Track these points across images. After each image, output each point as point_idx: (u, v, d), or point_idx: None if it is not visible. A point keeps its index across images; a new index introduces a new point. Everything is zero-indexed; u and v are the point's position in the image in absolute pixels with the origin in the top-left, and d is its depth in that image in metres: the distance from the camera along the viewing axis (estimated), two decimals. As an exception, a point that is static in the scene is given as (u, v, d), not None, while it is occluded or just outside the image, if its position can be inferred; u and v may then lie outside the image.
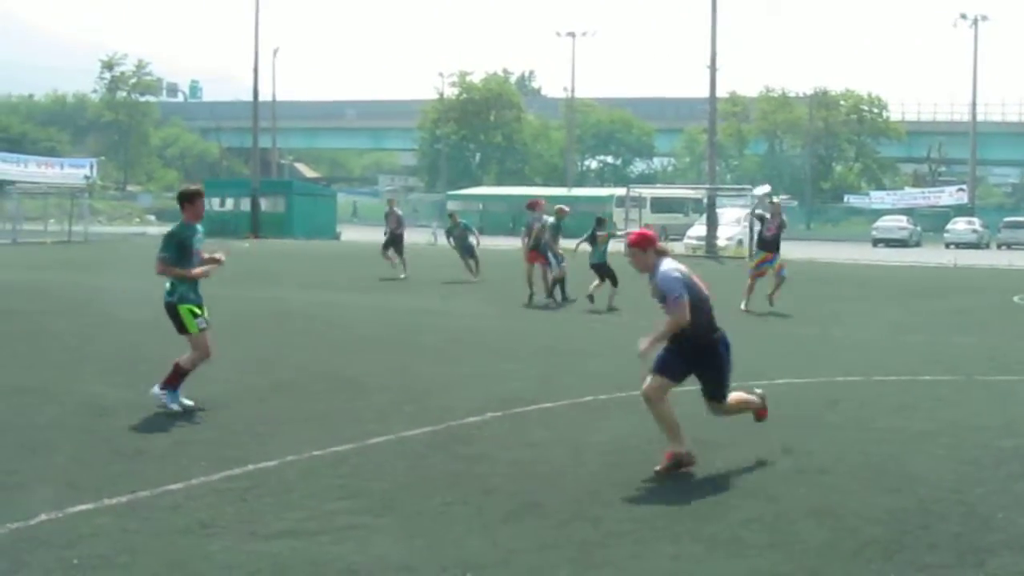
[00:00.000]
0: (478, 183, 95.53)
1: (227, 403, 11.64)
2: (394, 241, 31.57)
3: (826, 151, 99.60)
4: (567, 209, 25.89)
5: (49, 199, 61.27)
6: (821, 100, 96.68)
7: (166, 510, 7.57)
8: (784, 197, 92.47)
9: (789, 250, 47.70)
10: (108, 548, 6.72)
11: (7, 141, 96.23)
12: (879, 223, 68.01)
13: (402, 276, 30.25)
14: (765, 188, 29.69)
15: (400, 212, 33.34)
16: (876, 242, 64.58)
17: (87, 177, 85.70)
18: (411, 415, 10.90)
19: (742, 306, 21.64)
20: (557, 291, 23.88)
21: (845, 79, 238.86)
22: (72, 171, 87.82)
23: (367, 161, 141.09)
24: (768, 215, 23.51)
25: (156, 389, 11.04)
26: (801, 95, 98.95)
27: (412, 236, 58.53)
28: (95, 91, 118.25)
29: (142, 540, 6.90)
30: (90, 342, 16.69)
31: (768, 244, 22.99)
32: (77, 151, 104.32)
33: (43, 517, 7.31)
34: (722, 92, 73.49)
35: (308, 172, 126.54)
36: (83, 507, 7.56)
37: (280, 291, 22.62)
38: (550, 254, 23.90)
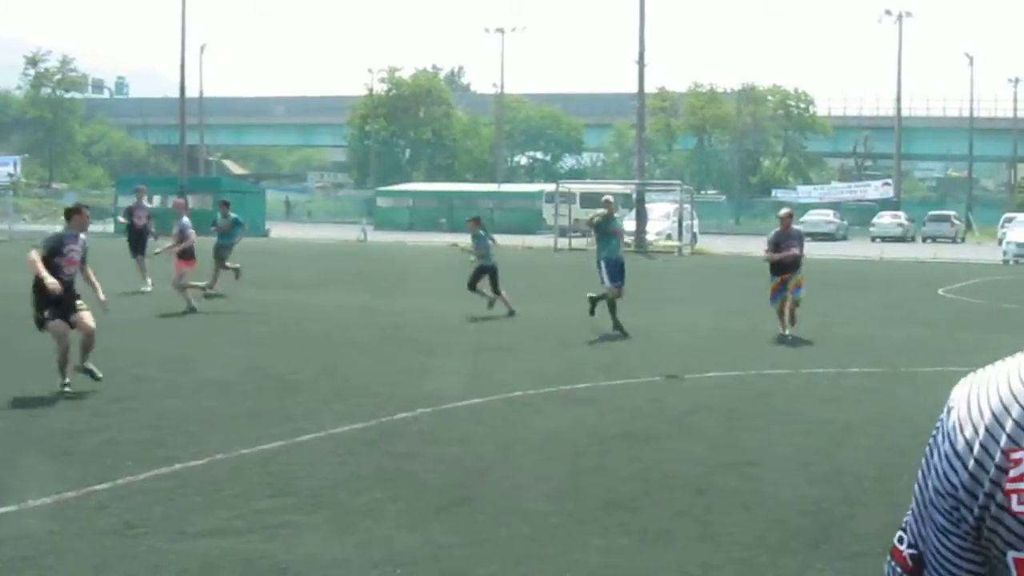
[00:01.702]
0: (408, 179, 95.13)
1: (154, 401, 11.55)
2: (138, 240, 25.15)
3: (754, 146, 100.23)
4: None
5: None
6: (749, 95, 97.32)
7: (92, 511, 7.48)
8: (712, 191, 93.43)
9: (714, 244, 48.52)
10: (32, 550, 6.63)
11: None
12: (806, 217, 68.48)
13: (146, 288, 23.70)
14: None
15: (148, 206, 27.47)
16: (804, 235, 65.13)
17: (11, 175, 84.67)
18: (341, 412, 10.86)
19: (785, 330, 17.12)
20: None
21: (772, 75, 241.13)
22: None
23: (296, 157, 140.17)
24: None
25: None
26: (729, 91, 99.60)
27: (342, 232, 58.30)
28: (19, 87, 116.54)
29: (67, 541, 6.81)
30: (11, 342, 16.44)
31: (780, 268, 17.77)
32: (1, 148, 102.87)
33: (-35, 519, 7.20)
34: (651, 87, 73.81)
35: (236, 169, 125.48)
36: (6, 509, 7.44)
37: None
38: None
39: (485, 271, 20.79)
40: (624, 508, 7.72)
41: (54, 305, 11.79)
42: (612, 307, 17.41)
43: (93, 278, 12.58)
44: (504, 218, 72.04)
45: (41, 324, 11.96)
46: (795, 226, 18.76)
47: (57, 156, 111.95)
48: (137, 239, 25.07)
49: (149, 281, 23.86)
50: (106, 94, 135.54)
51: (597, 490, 8.18)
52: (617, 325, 17.15)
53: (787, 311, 17.24)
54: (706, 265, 37.25)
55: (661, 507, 7.75)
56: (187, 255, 20.77)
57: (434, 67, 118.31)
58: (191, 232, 21.27)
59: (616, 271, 17.87)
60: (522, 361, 14.90)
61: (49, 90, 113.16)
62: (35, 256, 11.78)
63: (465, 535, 7.07)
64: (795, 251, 17.75)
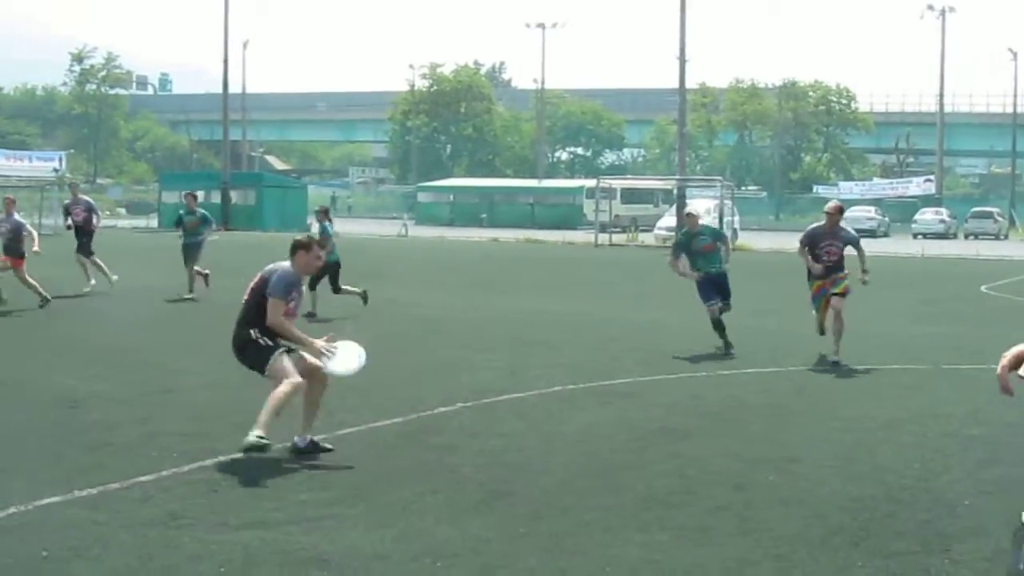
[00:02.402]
0: (449, 175, 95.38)
1: (195, 394, 11.67)
2: (83, 240, 23.38)
3: (795, 142, 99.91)
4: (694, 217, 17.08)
5: (19, 192, 60.87)
6: (790, 91, 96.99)
7: (136, 502, 7.57)
8: (753, 187, 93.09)
9: (754, 240, 48.28)
10: (78, 540, 6.72)
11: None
12: (848, 213, 67.31)
13: (88, 289, 22.53)
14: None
15: (89, 200, 25.06)
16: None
17: (56, 170, 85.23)
18: (381, 406, 10.93)
19: (834, 354, 14.40)
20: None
21: (814, 70, 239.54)
22: (41, 164, 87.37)
23: (338, 153, 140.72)
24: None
25: None
26: (770, 86, 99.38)
27: (383, 227, 58.47)
28: (65, 84, 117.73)
29: (112, 532, 6.90)
30: (61, 335, 16.63)
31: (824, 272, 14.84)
32: (47, 144, 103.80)
33: (12, 510, 7.29)
34: (692, 83, 73.71)
35: (279, 164, 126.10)
36: (53, 499, 7.54)
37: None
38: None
39: (330, 267, 19.37)
40: (663, 503, 7.73)
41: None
42: (715, 326, 15.41)
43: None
44: (544, 214, 72.19)
45: (263, 361, 8.94)
46: (845, 226, 15.02)
47: (102, 152, 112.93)
48: (80, 237, 23.37)
49: (92, 281, 22.73)
50: (150, 90, 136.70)
51: (636, 485, 8.20)
52: (724, 343, 15.24)
53: (831, 323, 14.57)
54: (746, 261, 37.09)
55: (700, 503, 7.76)
56: (13, 252, 19.57)
57: (475, 63, 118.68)
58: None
59: (707, 289, 15.64)
60: (562, 356, 14.93)
61: (94, 87, 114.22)
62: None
63: (505, 529, 7.11)
64: (833, 258, 14.60)
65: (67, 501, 7.53)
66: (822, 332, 15.05)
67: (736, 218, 52.52)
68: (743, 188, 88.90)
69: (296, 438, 8.90)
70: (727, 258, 16.26)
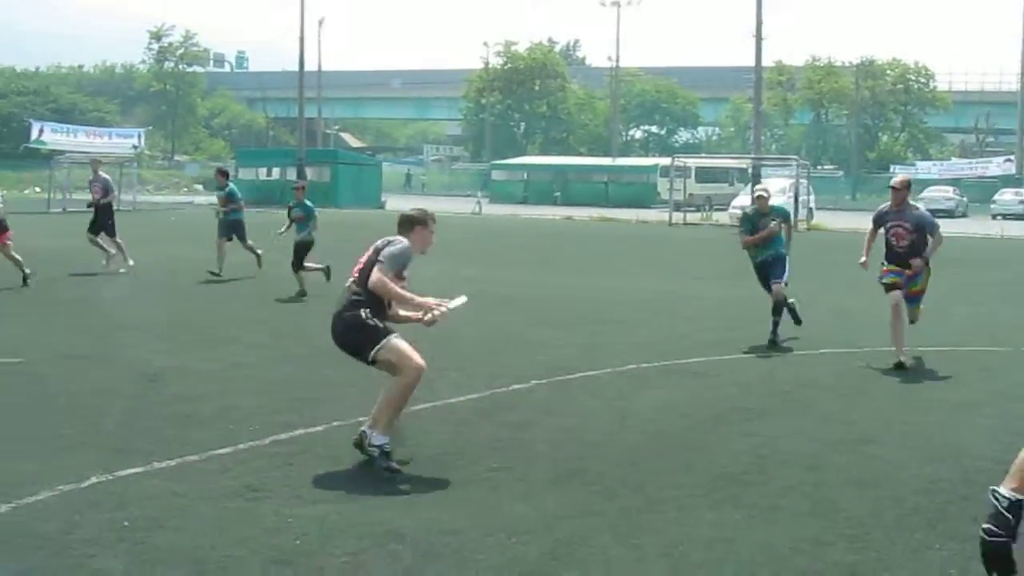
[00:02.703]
0: (522, 153, 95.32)
1: (271, 369, 11.80)
2: (101, 217, 23.00)
3: (872, 121, 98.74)
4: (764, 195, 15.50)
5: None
6: (867, 69, 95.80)
7: (214, 474, 7.69)
8: (829, 167, 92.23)
9: (830, 219, 47.83)
10: (158, 511, 6.83)
11: (57, 111, 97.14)
12: (925, 193, 67.20)
13: (123, 269, 22.16)
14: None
15: (108, 177, 24.37)
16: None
17: (135, 147, 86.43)
18: (456, 382, 10.99)
19: (903, 360, 12.43)
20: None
21: (891, 48, 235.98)
22: (120, 141, 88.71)
23: (412, 131, 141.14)
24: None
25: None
26: (847, 64, 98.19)
27: (457, 205, 58.64)
28: (143, 62, 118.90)
29: (191, 503, 7.01)
30: (138, 309, 16.87)
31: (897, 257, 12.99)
32: (125, 121, 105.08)
33: (94, 480, 7.44)
34: (768, 61, 72.99)
35: (354, 142, 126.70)
36: (133, 471, 7.68)
37: (320, 259, 22.49)
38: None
39: (303, 246, 19.37)
40: (736, 482, 7.71)
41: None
42: (775, 310, 14.35)
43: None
44: (618, 192, 72.02)
45: (375, 342, 7.90)
46: (916, 203, 13.22)
47: (179, 129, 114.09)
48: (96, 215, 22.99)
49: (113, 252, 22.48)
50: (227, 68, 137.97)
51: (709, 464, 8.18)
52: (773, 330, 14.19)
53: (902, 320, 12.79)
54: (821, 241, 36.80)
55: (773, 482, 7.73)
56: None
57: (550, 40, 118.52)
58: None
59: (764, 273, 14.76)
60: (635, 334, 14.91)
61: (172, 64, 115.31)
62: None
63: (578, 506, 7.13)
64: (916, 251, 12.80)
65: (147, 472, 7.66)
66: (898, 367, 12.35)
67: (812, 197, 51.96)
68: (819, 167, 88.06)
69: (367, 429, 7.93)
70: (788, 243, 15.00)
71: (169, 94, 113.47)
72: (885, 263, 13.07)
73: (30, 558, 5.99)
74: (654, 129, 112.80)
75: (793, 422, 9.67)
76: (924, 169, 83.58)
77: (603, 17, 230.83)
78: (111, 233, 22.68)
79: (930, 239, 12.87)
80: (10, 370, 11.58)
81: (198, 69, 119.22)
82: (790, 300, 14.79)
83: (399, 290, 7.93)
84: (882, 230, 13.25)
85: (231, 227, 21.96)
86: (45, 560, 5.97)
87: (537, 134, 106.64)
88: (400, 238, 8.20)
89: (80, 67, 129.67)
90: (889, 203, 13.10)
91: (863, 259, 13.36)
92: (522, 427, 9.32)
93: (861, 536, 6.60)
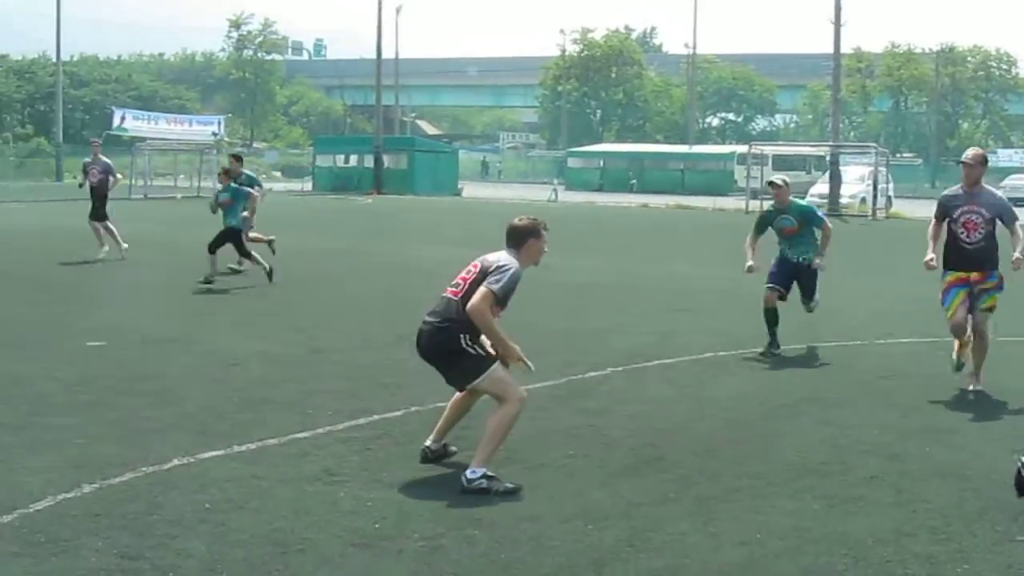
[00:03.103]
0: (599, 140, 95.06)
1: (349, 354, 11.89)
2: (101, 201, 22.25)
3: (952, 108, 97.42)
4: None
5: (179, 155, 62.59)
6: (948, 56, 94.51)
7: (294, 457, 7.77)
8: (908, 154, 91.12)
9: (909, 208, 47.29)
10: (238, 493, 6.93)
11: (139, 99, 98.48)
12: (1007, 181, 66.17)
13: (102, 255, 21.14)
14: None
15: (108, 161, 23.25)
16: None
17: (215, 134, 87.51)
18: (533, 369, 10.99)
19: (974, 382, 10.51)
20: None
21: (973, 34, 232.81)
22: (200, 128, 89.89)
23: (488, 118, 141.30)
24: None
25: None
26: (927, 51, 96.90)
27: (532, 192, 58.62)
28: (223, 50, 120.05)
29: (270, 486, 7.10)
30: (219, 295, 17.05)
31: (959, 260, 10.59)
32: (205, 109, 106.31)
33: (175, 462, 7.56)
34: (846, 48, 72.12)
35: (430, 129, 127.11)
36: (214, 453, 7.79)
37: (401, 245, 22.80)
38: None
39: (231, 233, 18.12)
40: (814, 472, 7.66)
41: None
42: (766, 315, 12.61)
43: None
44: (695, 179, 71.64)
45: (477, 374, 7.43)
46: (991, 189, 10.80)
47: (258, 116, 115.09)
48: (93, 200, 22.27)
49: (105, 247, 21.40)
50: (305, 56, 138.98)
51: (787, 453, 8.14)
52: (770, 340, 12.47)
53: (970, 334, 10.54)
54: (901, 229, 36.40)
55: (852, 472, 7.67)
56: None
57: (626, 28, 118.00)
58: None
59: (779, 273, 12.95)
60: (713, 322, 14.84)
61: (251, 52, 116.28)
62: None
63: (655, 493, 7.13)
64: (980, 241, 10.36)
65: (227, 455, 7.77)
66: (958, 367, 10.70)
67: (891, 185, 51.34)
68: (898, 155, 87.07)
69: (432, 443, 7.73)
70: (823, 251, 12.89)
71: (248, 82, 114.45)
72: (947, 272, 10.59)
73: (115, 537, 6.10)
74: (731, 116, 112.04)
75: (873, 411, 9.58)
76: (1005, 157, 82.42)
77: (680, 3, 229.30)
78: (103, 217, 21.89)
79: (1011, 234, 10.41)
80: (96, 353, 11.79)
81: (276, 57, 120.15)
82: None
83: (495, 327, 7.30)
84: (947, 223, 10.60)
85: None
86: (129, 540, 6.07)
87: (613, 121, 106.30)
88: (510, 262, 7.41)
89: (161, 55, 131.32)
90: (957, 187, 10.69)
91: (929, 256, 10.75)
92: (598, 414, 9.32)
93: (942, 527, 6.54)
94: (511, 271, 7.32)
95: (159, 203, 46.48)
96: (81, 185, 22.87)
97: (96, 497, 6.81)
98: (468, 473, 7.14)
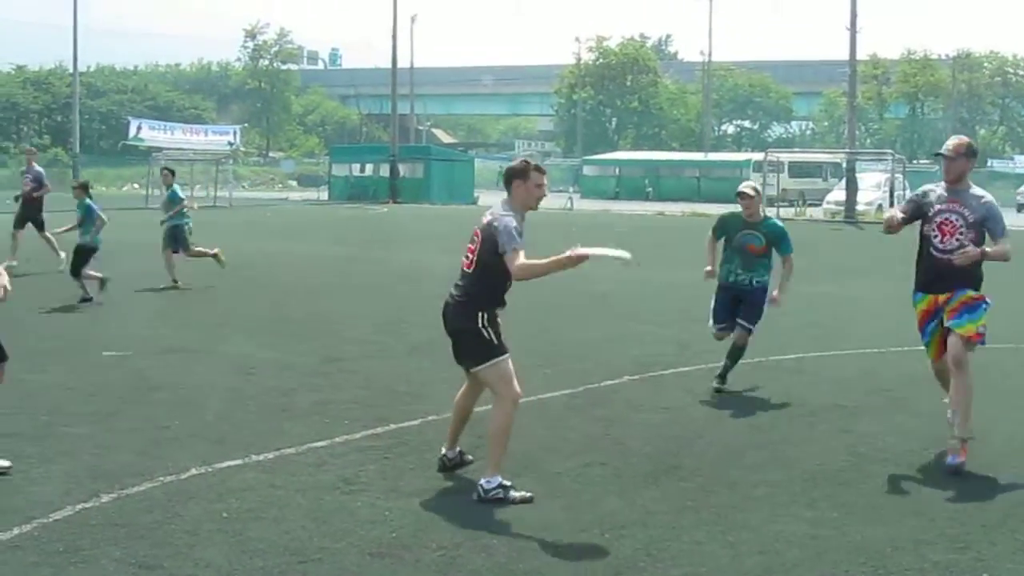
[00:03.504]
0: (614, 148, 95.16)
1: (367, 363, 11.89)
2: (30, 211, 21.23)
3: (969, 114, 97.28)
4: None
5: (195, 165, 62.71)
6: (964, 62, 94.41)
7: (311, 467, 7.78)
8: (924, 161, 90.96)
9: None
10: (256, 502, 6.93)
11: (155, 109, 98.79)
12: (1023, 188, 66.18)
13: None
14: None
15: (41, 170, 22.18)
16: (1021, 207, 62.88)
17: (231, 144, 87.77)
18: (549, 377, 11.00)
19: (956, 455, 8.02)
20: None
21: (989, 40, 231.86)
22: (216, 138, 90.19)
23: (504, 127, 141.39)
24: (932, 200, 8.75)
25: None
26: (944, 57, 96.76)
27: (548, 200, 58.63)
28: (239, 59, 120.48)
29: (288, 495, 7.10)
30: (236, 304, 17.09)
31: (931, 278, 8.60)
32: (221, 118, 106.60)
33: (193, 472, 7.57)
34: (862, 54, 72.07)
35: (446, 138, 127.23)
36: (231, 463, 7.80)
37: (416, 254, 22.78)
38: None
39: (84, 250, 16.97)
40: (832, 480, 7.64)
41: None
42: (731, 354, 10.87)
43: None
44: (710, 187, 71.52)
45: (486, 358, 7.36)
46: (977, 191, 8.55)
47: (274, 126, 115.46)
48: (23, 209, 21.30)
49: (14, 262, 19.40)
50: (320, 65, 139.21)
51: (805, 461, 8.12)
52: (721, 375, 10.77)
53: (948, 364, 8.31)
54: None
55: (871, 480, 7.65)
56: None
57: (641, 36, 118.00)
58: None
59: (721, 307, 10.98)
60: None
61: (267, 62, 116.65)
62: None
63: (672, 502, 7.12)
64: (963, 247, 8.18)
65: (245, 464, 7.78)
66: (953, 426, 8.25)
67: (907, 192, 51.19)
68: (914, 162, 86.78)
69: (447, 451, 7.76)
70: (787, 285, 11.05)
71: (264, 91, 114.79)
72: (917, 296, 8.65)
73: (133, 547, 6.11)
74: (747, 124, 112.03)
75: (892, 419, 9.55)
76: (1022, 164, 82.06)
77: (695, 11, 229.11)
78: (40, 226, 20.94)
79: (994, 244, 8.38)
80: (118, 363, 11.81)
81: (292, 67, 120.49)
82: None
83: (542, 265, 7.25)
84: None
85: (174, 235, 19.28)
86: (147, 549, 6.08)
87: (629, 129, 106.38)
88: (499, 218, 7.33)
89: (177, 65, 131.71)
90: (939, 184, 8.73)
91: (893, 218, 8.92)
92: (615, 423, 9.31)
93: (961, 536, 6.51)
94: (502, 227, 7.25)
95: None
96: (17, 198, 21.75)
97: (114, 506, 6.82)
98: (483, 483, 7.11)
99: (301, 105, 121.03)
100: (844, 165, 52.57)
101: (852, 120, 56.16)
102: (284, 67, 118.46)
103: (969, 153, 8.50)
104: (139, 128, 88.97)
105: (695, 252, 11.72)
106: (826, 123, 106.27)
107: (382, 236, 20.34)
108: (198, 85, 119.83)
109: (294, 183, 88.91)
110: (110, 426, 8.89)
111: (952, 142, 8.65)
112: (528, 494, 7.11)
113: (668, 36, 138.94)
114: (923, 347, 8.75)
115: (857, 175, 50.67)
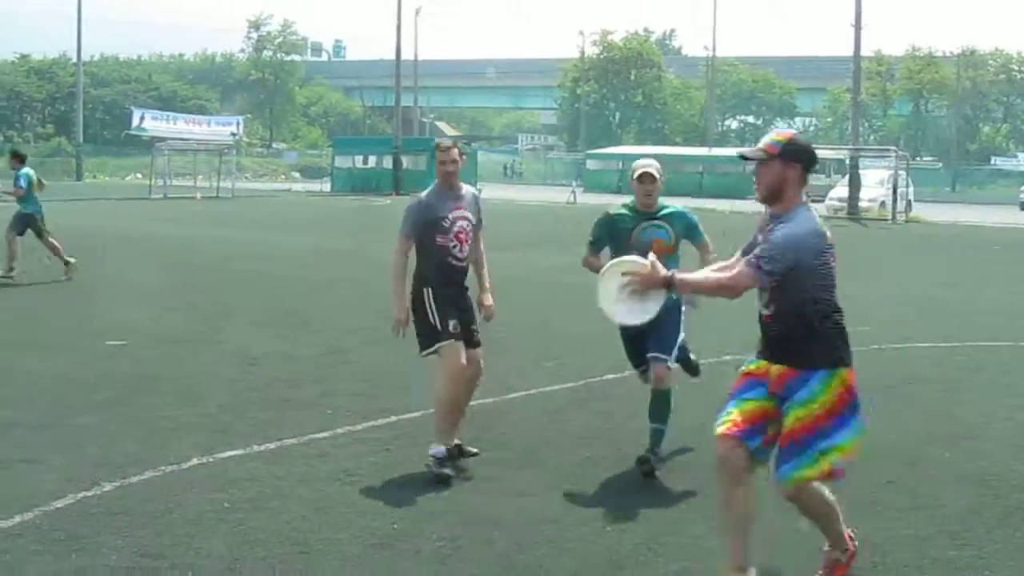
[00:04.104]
0: (617, 143, 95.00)
1: (368, 355, 11.90)
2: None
3: (973, 112, 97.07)
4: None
5: (198, 156, 62.73)
6: (969, 59, 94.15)
7: (313, 458, 7.80)
8: (928, 159, 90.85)
9: (929, 212, 47.18)
10: (257, 492, 6.95)
11: (158, 99, 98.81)
12: (1028, 186, 66.10)
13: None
14: None
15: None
16: None
17: (234, 134, 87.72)
18: (551, 371, 11.02)
19: None
20: None
21: (994, 37, 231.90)
22: (220, 128, 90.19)
23: (507, 120, 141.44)
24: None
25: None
26: (948, 54, 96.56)
27: (551, 194, 58.56)
28: (242, 51, 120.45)
29: (290, 486, 7.12)
30: (238, 295, 17.10)
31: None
32: (225, 109, 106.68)
33: (195, 461, 7.59)
34: (866, 51, 71.80)
35: (449, 130, 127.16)
36: (233, 453, 7.82)
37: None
38: None
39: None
40: (833, 476, 7.64)
41: (452, 307, 7.98)
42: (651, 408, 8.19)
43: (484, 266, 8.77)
44: (714, 182, 71.52)
45: (433, 339, 7.81)
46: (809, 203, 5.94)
47: (277, 117, 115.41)
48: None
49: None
50: (324, 57, 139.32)
51: (806, 457, 8.11)
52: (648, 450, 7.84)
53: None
54: (920, 233, 36.30)
55: (871, 477, 7.63)
56: None
57: (645, 30, 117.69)
58: None
59: (634, 342, 8.52)
60: (734, 325, 14.75)
61: (271, 53, 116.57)
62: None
63: (674, 496, 7.14)
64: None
65: (247, 455, 7.80)
66: None
67: (910, 189, 51.19)
68: (918, 159, 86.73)
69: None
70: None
71: (267, 83, 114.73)
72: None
73: (135, 536, 6.13)
74: (750, 119, 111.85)
75: (892, 417, 9.53)
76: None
77: (700, 6, 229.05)
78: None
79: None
80: (117, 352, 11.82)
81: (296, 58, 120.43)
82: (693, 358, 9.32)
83: (394, 268, 8.10)
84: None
85: (23, 220, 18.43)
86: (149, 538, 6.10)
87: (632, 124, 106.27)
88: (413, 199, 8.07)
89: (181, 56, 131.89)
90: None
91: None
92: (617, 416, 9.33)
93: (961, 533, 6.52)
94: (406, 208, 8.10)
95: (178, 203, 46.58)
96: None
97: (116, 496, 6.84)
98: (434, 451, 7.45)
99: (305, 96, 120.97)
100: (847, 162, 52.48)
101: (856, 116, 56.10)
102: (288, 58, 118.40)
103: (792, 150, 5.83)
104: (142, 118, 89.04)
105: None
106: (830, 119, 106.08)
107: (384, 228, 20.25)
108: (201, 76, 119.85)
109: (297, 174, 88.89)
110: (112, 416, 8.91)
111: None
112: (447, 472, 7.35)
113: (672, 31, 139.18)
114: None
115: (860, 172, 50.58)
